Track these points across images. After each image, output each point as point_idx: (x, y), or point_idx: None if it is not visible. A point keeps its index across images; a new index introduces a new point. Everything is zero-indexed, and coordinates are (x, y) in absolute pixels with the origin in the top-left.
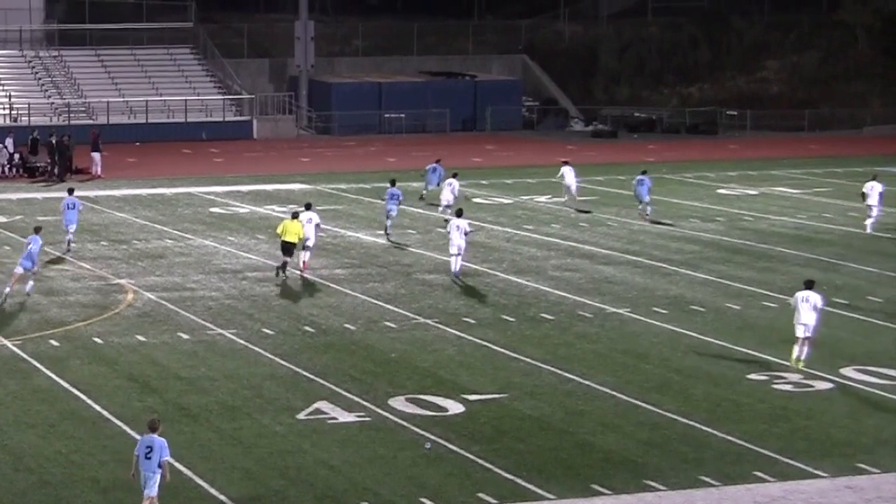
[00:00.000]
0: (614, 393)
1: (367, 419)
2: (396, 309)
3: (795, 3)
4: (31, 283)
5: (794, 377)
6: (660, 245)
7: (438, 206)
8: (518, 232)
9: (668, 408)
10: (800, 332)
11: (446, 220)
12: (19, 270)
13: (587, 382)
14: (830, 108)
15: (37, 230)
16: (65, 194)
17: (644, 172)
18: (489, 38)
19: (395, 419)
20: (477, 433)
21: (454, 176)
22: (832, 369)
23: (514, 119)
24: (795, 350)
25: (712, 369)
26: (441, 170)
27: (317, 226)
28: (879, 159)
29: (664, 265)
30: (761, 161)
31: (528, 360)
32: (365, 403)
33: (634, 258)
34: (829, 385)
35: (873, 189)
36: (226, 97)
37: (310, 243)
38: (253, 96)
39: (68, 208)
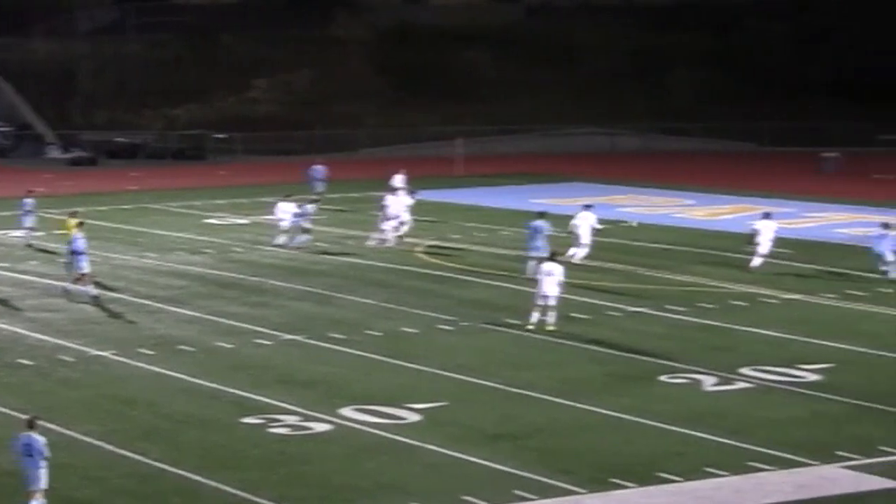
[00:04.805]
0: (100, 443)
1: None
2: None
3: (287, 17)
4: None
5: (291, 419)
6: (145, 280)
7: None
8: None
9: (156, 456)
10: (540, 301)
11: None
12: None
13: (70, 433)
14: (325, 130)
15: None
16: None
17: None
18: None
19: None
20: None
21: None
22: (330, 409)
23: None
24: (535, 316)
25: (204, 413)
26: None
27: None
28: (375, 183)
29: (150, 302)
30: (252, 187)
31: (5, 411)
32: None
33: (118, 296)
34: (327, 426)
35: (765, 229)
36: None
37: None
38: None
39: None
